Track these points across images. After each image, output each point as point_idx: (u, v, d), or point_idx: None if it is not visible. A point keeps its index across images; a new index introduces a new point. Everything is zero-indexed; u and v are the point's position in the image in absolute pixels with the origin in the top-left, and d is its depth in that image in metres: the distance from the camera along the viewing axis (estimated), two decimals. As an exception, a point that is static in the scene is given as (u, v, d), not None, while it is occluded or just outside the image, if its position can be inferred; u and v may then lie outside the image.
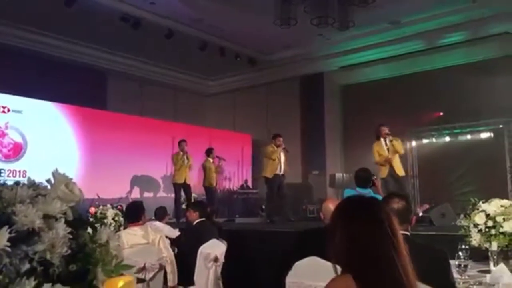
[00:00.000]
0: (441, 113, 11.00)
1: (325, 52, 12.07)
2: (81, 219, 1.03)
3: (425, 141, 11.41)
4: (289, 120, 12.79)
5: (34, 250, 0.86)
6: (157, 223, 6.18)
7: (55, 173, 1.02)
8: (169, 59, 12.33)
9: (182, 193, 9.31)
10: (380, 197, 4.87)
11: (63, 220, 0.95)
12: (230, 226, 7.54)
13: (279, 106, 13.07)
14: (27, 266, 0.84)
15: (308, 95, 12.79)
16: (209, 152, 10.19)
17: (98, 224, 1.04)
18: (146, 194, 10.94)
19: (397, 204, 2.69)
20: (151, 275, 4.27)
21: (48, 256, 0.87)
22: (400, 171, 7.48)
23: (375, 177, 6.83)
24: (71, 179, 1.04)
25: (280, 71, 12.77)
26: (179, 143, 9.45)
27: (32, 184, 1.01)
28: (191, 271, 4.71)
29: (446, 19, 10.07)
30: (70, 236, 0.93)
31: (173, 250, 4.87)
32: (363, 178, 5.47)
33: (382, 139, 7.60)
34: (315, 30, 9.89)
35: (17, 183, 0.97)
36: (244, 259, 5.86)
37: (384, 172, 7.42)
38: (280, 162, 8.59)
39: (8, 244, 0.83)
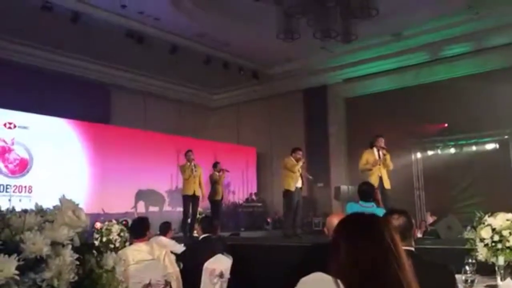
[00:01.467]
0: (446, 125, 10.98)
1: (328, 65, 12.13)
2: (87, 244, 1.05)
3: (430, 152, 11.38)
4: (293, 133, 12.81)
5: (41, 277, 0.87)
6: (162, 238, 6.16)
7: (62, 199, 1.03)
8: (173, 73, 12.42)
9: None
10: (382, 210, 4.84)
11: (70, 246, 0.96)
12: (235, 240, 7.51)
13: (283, 119, 13.11)
14: (35, 293, 0.85)
15: (312, 108, 12.82)
16: (215, 165, 10.20)
17: (104, 249, 1.04)
18: (151, 208, 10.93)
19: (397, 220, 2.68)
20: (156, 291, 4.25)
21: (55, 284, 0.88)
22: (387, 184, 7.55)
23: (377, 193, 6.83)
24: (77, 204, 1.05)
25: (284, 84, 12.82)
26: (186, 153, 9.33)
27: (40, 210, 1.02)
28: (197, 287, 4.69)
29: (449, 31, 10.12)
30: (77, 263, 0.94)
31: (179, 266, 4.85)
32: (366, 192, 5.47)
33: (375, 149, 7.64)
34: (318, 43, 9.95)
35: (25, 211, 0.98)
36: (249, 274, 5.83)
37: (374, 182, 7.17)
38: (300, 176, 8.49)
39: (17, 272, 0.84)
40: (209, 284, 4.67)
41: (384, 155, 7.58)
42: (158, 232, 6.58)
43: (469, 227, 3.75)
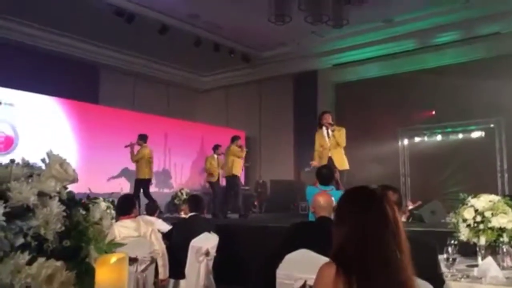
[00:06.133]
0: (433, 112, 11.07)
1: (318, 49, 12.11)
2: (74, 200, 1.05)
3: (417, 139, 11.47)
4: (282, 117, 12.84)
5: (28, 225, 0.87)
6: (149, 216, 6.17)
7: (50, 153, 1.03)
8: (162, 54, 12.31)
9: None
10: (339, 192, 4.83)
11: (57, 198, 0.96)
12: (221, 221, 7.56)
13: (273, 103, 13.11)
14: (21, 240, 0.86)
15: (302, 93, 12.82)
16: (215, 148, 10.28)
17: (91, 205, 1.05)
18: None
19: (393, 196, 2.73)
20: (142, 267, 4.28)
21: (42, 232, 0.88)
22: (340, 164, 6.92)
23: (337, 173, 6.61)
24: (65, 159, 1.05)
25: (274, 68, 12.79)
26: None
27: (27, 164, 1.02)
28: (183, 264, 4.72)
29: (439, 18, 10.15)
30: (64, 214, 0.94)
31: (165, 244, 4.87)
32: (326, 176, 5.46)
33: (324, 128, 7.14)
34: (309, 27, 9.92)
35: (12, 161, 0.98)
36: (235, 253, 5.88)
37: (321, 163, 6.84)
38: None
39: (3, 218, 0.85)
40: (195, 261, 4.71)
41: (333, 131, 7.04)
42: (145, 212, 6.60)
43: (452, 213, 3.82)
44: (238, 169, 9.18)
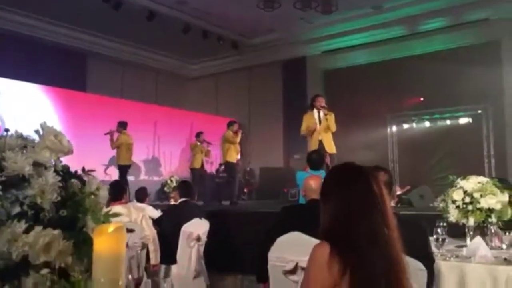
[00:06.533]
0: (422, 99, 11.14)
1: (307, 36, 12.09)
2: (69, 172, 1.04)
3: (405, 126, 11.55)
4: (271, 104, 12.83)
5: (24, 194, 0.86)
6: (139, 203, 6.16)
7: (43, 125, 1.02)
8: (151, 42, 12.19)
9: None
10: None
11: (52, 169, 0.95)
12: (212, 207, 7.55)
13: (262, 90, 13.08)
14: (17, 209, 0.85)
15: (291, 79, 12.81)
16: (197, 135, 10.30)
17: (87, 177, 1.04)
18: (127, 177, 10.85)
19: (383, 176, 2.74)
20: (133, 253, 4.27)
21: (38, 201, 0.87)
22: (330, 148, 7.00)
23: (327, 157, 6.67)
24: (59, 131, 1.04)
25: (263, 55, 12.74)
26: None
27: (21, 136, 1.01)
28: (174, 250, 4.73)
29: (428, 5, 10.16)
30: (60, 184, 0.93)
31: (156, 230, 4.87)
32: (316, 161, 5.49)
33: (315, 110, 7.15)
34: (298, 13, 9.89)
35: (6, 130, 0.96)
36: (226, 239, 5.90)
37: (313, 148, 6.84)
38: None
39: (-1, 187, 0.84)
40: (186, 247, 4.71)
41: (325, 115, 7.09)
42: (135, 200, 6.60)
43: (440, 198, 3.86)
44: (233, 155, 9.10)
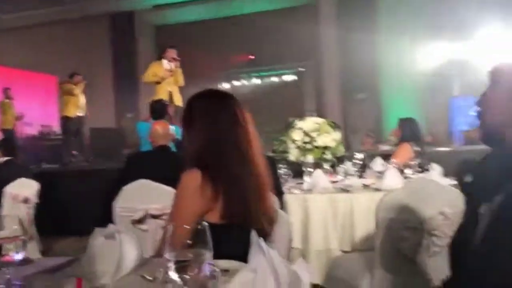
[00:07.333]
0: (252, 57, 11.57)
1: (136, -11, 11.50)
2: None
3: (236, 83, 11.93)
4: (99, 60, 11.98)
5: None
6: None
7: None
8: None
9: None
10: (174, 127, 4.83)
11: None
12: (40, 168, 6.85)
13: (88, 45, 12.09)
14: None
15: (120, 35, 12.08)
16: (5, 91, 9.16)
17: None
18: None
19: None
20: None
21: None
22: (178, 101, 7.15)
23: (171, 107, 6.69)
24: None
25: (86, 6, 11.73)
26: None
27: None
28: (-2, 214, 4.16)
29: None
30: None
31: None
32: (158, 109, 5.40)
33: (165, 61, 7.16)
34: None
35: None
36: (60, 200, 5.42)
37: (163, 97, 6.78)
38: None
39: None
40: (11, 209, 4.19)
41: (176, 67, 7.18)
42: None
43: (277, 142, 4.07)
44: (72, 110, 8.29)
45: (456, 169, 4.48)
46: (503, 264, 0.98)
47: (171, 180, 1.93)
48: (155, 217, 3.05)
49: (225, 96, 1.81)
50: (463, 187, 2.65)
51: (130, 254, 1.26)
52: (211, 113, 1.72)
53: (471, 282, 1.09)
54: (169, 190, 2.73)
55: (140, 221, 3.07)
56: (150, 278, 1.18)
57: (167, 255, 0.97)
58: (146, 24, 11.99)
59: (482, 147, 1.22)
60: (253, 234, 1.00)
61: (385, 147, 7.51)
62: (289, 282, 0.89)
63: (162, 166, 3.17)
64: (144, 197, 3.07)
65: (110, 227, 1.32)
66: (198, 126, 1.72)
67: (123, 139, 11.63)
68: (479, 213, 1.11)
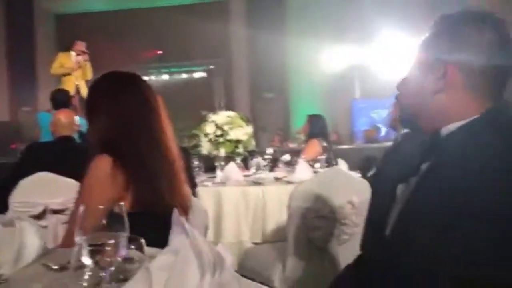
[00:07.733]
0: (160, 52, 11.30)
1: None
2: None
3: (144, 78, 11.56)
4: (-9, 49, 11.01)
5: None
6: None
7: None
8: None
9: None
10: (79, 118, 4.58)
11: None
12: None
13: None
14: None
15: (16, 22, 11.16)
16: None
17: None
18: None
19: None
20: None
21: None
22: (85, 93, 6.79)
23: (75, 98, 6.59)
24: None
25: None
26: None
27: None
28: None
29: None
30: None
31: None
32: (60, 100, 5.10)
33: (73, 53, 7.07)
34: None
35: None
36: None
37: (70, 89, 6.63)
38: None
39: None
40: None
41: (84, 60, 7.11)
42: None
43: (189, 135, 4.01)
44: None
45: (360, 165, 4.74)
46: (416, 246, 1.00)
47: (75, 172, 1.80)
48: (56, 212, 2.86)
49: (131, 77, 1.70)
50: (368, 179, 2.78)
51: (32, 243, 1.13)
52: (116, 95, 1.61)
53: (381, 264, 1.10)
54: (72, 183, 2.57)
55: (39, 216, 2.86)
56: (56, 267, 1.07)
57: (79, 239, 0.89)
58: (44, 12, 11.21)
59: (380, 144, 1.26)
60: (175, 214, 0.95)
61: (293, 145, 7.74)
62: (213, 261, 0.85)
63: (64, 157, 2.96)
64: (43, 191, 2.85)
65: (9, 213, 1.18)
66: (105, 112, 1.60)
67: (19, 134, 10.80)
68: (396, 194, 1.14)
